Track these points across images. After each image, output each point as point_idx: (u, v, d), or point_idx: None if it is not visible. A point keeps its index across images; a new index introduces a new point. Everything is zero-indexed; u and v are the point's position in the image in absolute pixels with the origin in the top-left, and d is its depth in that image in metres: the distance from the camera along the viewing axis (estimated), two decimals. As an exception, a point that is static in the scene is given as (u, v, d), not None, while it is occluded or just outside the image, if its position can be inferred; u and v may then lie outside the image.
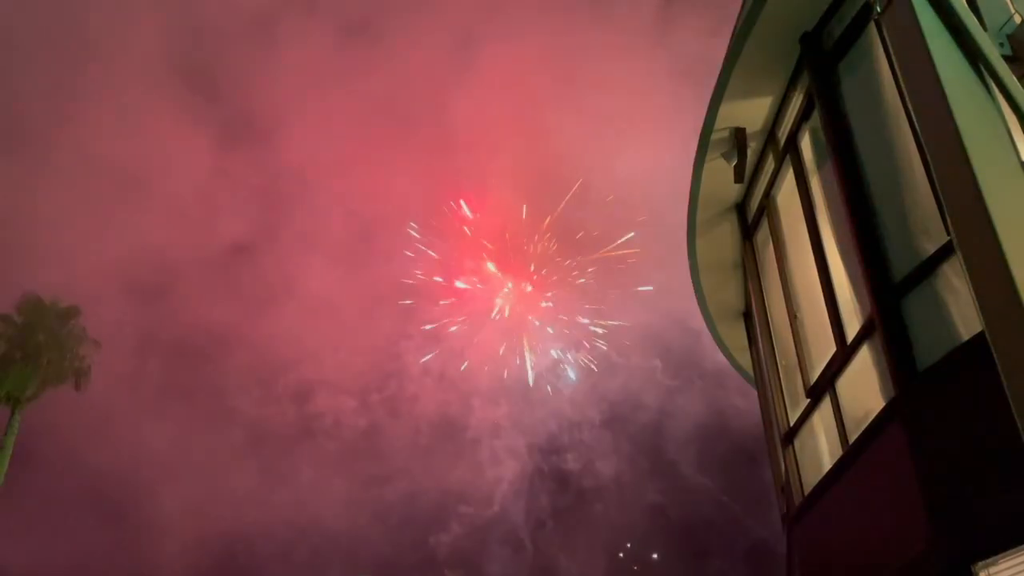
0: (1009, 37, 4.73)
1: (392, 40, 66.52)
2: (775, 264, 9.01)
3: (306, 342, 64.10)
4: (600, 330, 64.49)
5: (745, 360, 11.85)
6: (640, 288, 60.76)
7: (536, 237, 65.47)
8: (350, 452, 60.34)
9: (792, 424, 8.75)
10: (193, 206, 62.57)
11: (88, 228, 57.27)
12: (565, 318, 65.69)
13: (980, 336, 4.76)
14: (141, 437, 54.29)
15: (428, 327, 65.03)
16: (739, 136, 8.99)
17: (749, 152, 9.11)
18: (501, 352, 65.70)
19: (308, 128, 66.06)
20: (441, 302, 65.48)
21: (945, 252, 5.50)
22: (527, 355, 64.67)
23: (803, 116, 8.01)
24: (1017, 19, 4.81)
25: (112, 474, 50.33)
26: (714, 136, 9.04)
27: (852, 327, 6.88)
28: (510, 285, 65.40)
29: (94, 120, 58.04)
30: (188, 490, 55.22)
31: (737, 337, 11.82)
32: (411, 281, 64.98)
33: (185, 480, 55.65)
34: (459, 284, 65.66)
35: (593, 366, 64.21)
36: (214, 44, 62.73)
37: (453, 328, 66.29)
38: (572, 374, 65.56)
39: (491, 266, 65.43)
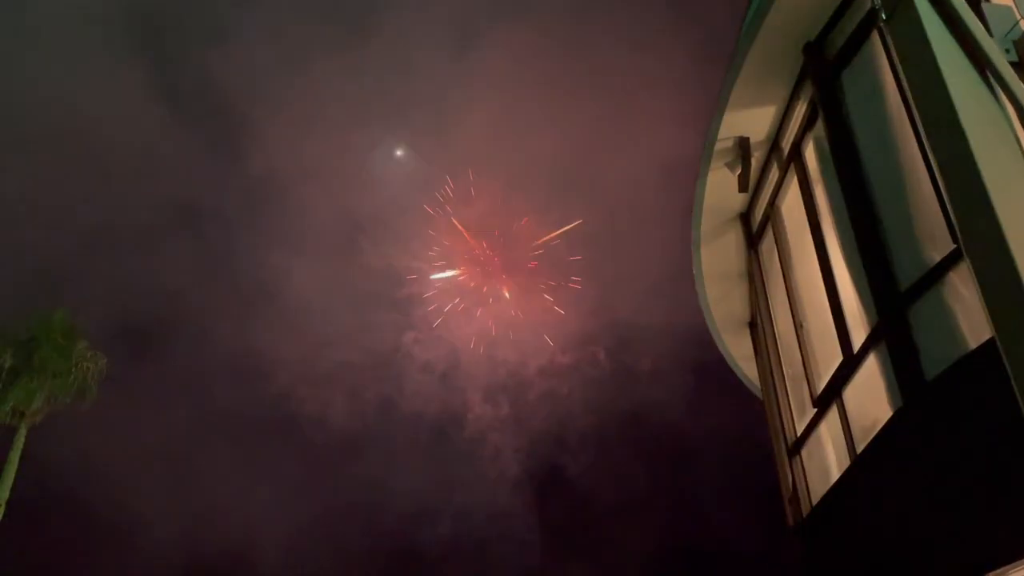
0: (1015, 43, 4.72)
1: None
2: (780, 273, 8.99)
3: (295, 338, 62.85)
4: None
5: (751, 370, 11.80)
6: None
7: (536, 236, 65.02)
8: (341, 452, 59.31)
9: (799, 434, 8.70)
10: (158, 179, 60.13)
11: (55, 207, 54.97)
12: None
13: (988, 344, 4.72)
14: (118, 435, 52.21)
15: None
16: (743, 145, 8.99)
17: (753, 161, 9.11)
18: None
19: (292, 121, 64.35)
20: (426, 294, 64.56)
21: (951, 260, 5.47)
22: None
23: (807, 125, 8.01)
24: (1023, 25, 4.80)
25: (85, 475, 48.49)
26: (718, 146, 9.03)
27: (858, 336, 6.84)
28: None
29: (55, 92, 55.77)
30: (166, 493, 53.82)
31: (743, 347, 11.77)
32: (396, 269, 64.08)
33: (163, 482, 54.14)
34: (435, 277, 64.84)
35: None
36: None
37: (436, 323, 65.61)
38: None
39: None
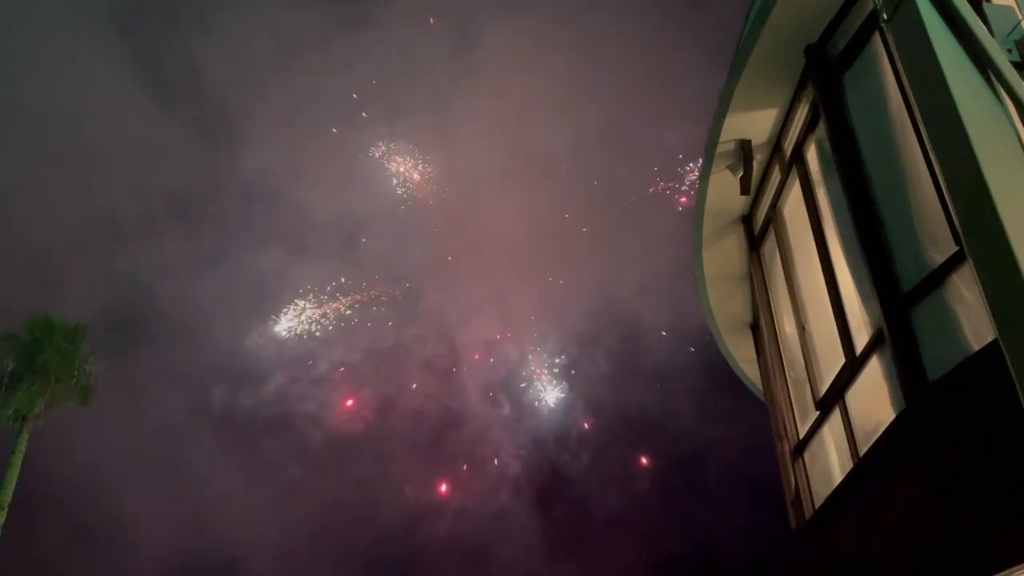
0: (1017, 43, 4.71)
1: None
2: (782, 276, 8.97)
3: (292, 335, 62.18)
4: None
5: (754, 372, 11.79)
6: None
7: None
8: (332, 454, 58.89)
9: (802, 437, 8.69)
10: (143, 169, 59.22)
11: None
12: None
13: (990, 347, 4.71)
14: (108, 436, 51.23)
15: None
16: (745, 148, 8.98)
17: (755, 164, 9.10)
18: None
19: (288, 117, 63.34)
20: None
21: (954, 262, 5.45)
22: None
23: (808, 127, 7.99)
24: (1024, 26, 4.80)
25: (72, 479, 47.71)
26: (720, 148, 9.02)
27: (861, 338, 6.83)
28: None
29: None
30: (165, 493, 53.13)
31: (745, 349, 11.76)
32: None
33: (161, 482, 53.40)
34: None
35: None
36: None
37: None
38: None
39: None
